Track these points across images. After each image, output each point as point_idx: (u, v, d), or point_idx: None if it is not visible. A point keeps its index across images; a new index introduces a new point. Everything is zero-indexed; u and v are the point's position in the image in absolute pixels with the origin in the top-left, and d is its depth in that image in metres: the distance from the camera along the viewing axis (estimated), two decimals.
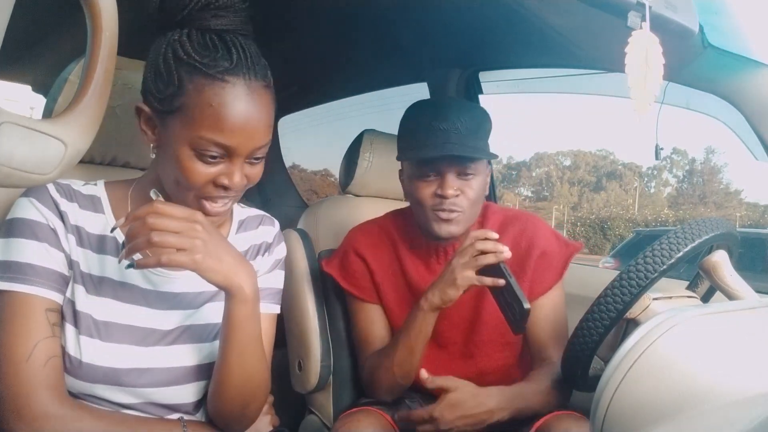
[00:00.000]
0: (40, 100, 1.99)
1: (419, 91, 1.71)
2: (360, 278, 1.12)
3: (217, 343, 0.78)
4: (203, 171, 0.68)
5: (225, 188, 0.70)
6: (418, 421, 0.94)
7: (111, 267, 0.74)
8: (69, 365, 0.70)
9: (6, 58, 1.75)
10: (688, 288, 1.00)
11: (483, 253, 0.92)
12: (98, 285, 0.73)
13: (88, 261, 0.73)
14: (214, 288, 0.80)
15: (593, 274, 1.46)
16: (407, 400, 1.10)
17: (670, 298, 0.89)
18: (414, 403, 1.09)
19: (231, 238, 0.85)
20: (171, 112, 0.68)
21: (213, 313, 0.79)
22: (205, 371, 0.77)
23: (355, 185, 1.40)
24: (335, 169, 1.53)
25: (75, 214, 0.73)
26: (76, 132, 0.49)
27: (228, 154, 0.68)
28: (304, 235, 1.30)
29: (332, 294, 1.27)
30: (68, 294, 0.72)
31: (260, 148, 0.71)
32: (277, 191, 2.32)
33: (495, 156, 1.04)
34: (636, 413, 0.54)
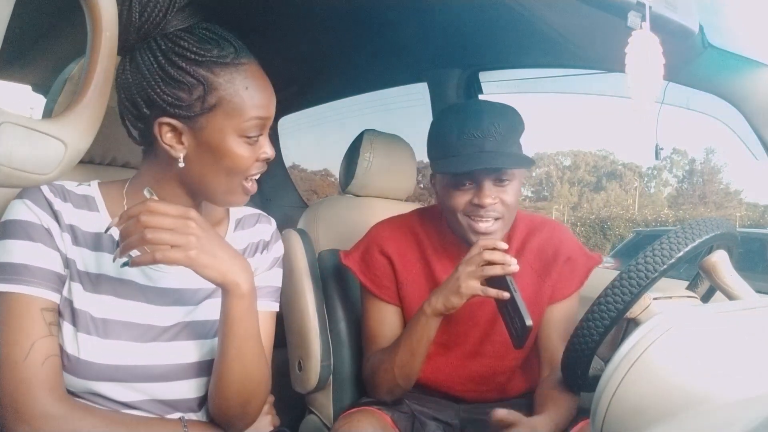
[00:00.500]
0: (40, 100, 1.99)
1: (419, 91, 1.71)
2: (382, 276, 1.10)
3: (216, 340, 0.78)
4: (250, 154, 0.73)
5: (266, 161, 0.76)
6: None
7: (108, 264, 0.74)
8: (67, 363, 0.70)
9: (6, 58, 1.75)
10: (688, 288, 1.00)
11: (490, 263, 0.91)
12: (95, 282, 0.73)
13: (85, 259, 0.73)
14: (211, 284, 0.80)
15: (593, 274, 1.46)
16: (407, 400, 1.10)
17: (670, 298, 0.89)
18: (413, 401, 1.09)
19: (228, 236, 0.85)
20: (208, 110, 0.70)
21: (213, 309, 0.79)
22: (205, 368, 0.77)
23: (355, 185, 1.40)
24: (335, 169, 1.53)
25: (69, 213, 0.74)
26: (76, 132, 0.49)
27: (263, 128, 0.74)
28: (304, 235, 1.30)
29: (332, 294, 1.27)
30: (65, 293, 0.72)
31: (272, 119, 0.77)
32: (277, 191, 2.32)
33: (532, 162, 1.01)
34: (636, 413, 0.54)
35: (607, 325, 0.81)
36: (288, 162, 2.43)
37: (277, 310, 0.87)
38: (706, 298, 0.99)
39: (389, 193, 1.47)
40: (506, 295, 0.89)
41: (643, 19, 0.70)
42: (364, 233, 1.17)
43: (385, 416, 1.03)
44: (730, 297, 0.86)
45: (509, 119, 1.00)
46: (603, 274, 1.32)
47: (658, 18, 0.72)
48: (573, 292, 1.09)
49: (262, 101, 0.72)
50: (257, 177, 0.77)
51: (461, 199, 0.99)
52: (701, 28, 0.80)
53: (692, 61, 0.86)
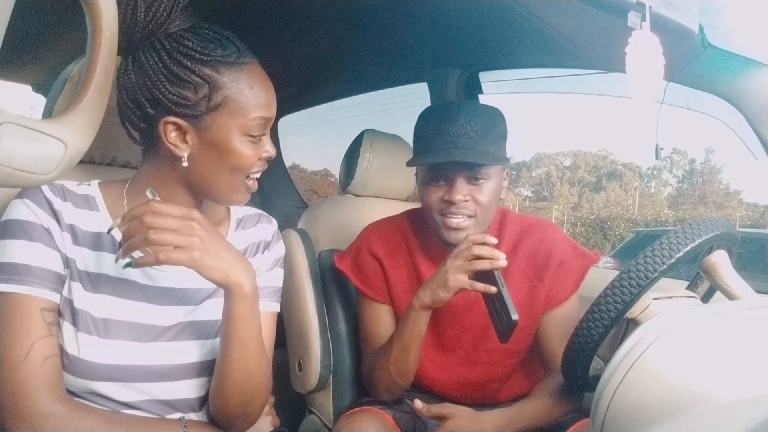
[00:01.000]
0: (40, 100, 1.99)
1: (419, 91, 1.71)
2: (373, 277, 1.11)
3: (218, 339, 0.78)
4: (253, 152, 0.74)
5: (268, 160, 0.77)
6: None
7: (108, 264, 0.74)
8: (68, 363, 0.70)
9: (6, 58, 1.75)
10: (688, 288, 1.00)
11: (479, 258, 0.91)
12: (96, 282, 0.73)
13: (85, 259, 0.73)
14: (213, 284, 0.80)
15: (593, 274, 1.46)
16: (408, 400, 1.10)
17: (670, 298, 0.89)
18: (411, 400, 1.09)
19: (230, 236, 0.85)
20: (213, 109, 0.71)
21: (214, 309, 0.79)
22: (206, 368, 0.77)
23: (355, 185, 1.40)
24: (335, 169, 1.53)
25: (69, 213, 0.74)
26: (76, 132, 0.49)
27: (266, 127, 0.75)
28: (304, 235, 1.30)
29: (332, 294, 1.27)
30: (65, 292, 0.72)
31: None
32: (277, 191, 2.32)
33: (506, 160, 1.02)
34: (636, 413, 0.54)
35: (607, 325, 0.81)
36: (288, 162, 2.43)
37: (278, 310, 0.87)
38: (706, 298, 0.99)
39: (389, 193, 1.47)
40: (493, 289, 0.89)
41: (643, 19, 0.70)
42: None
43: (386, 416, 1.03)
44: (730, 297, 0.86)
45: (487, 119, 0.99)
46: (603, 274, 1.32)
47: (658, 18, 0.72)
48: (569, 296, 1.07)
49: (266, 101, 0.74)
50: (258, 175, 0.78)
51: (435, 195, 1.00)
52: (701, 28, 0.80)
53: (692, 61, 0.86)
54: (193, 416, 0.79)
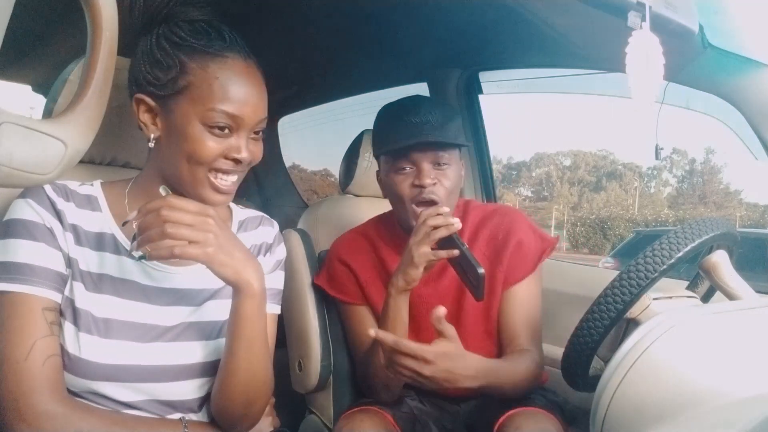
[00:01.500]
0: (40, 100, 1.99)
1: (419, 91, 1.71)
2: (345, 283, 1.16)
3: (219, 340, 0.78)
4: (214, 145, 0.72)
5: (235, 161, 0.74)
6: (406, 352, 0.87)
7: (110, 264, 0.74)
8: (69, 362, 0.70)
9: (6, 58, 1.75)
10: (688, 288, 1.00)
11: (436, 228, 0.95)
12: (97, 282, 0.73)
13: (87, 259, 0.73)
14: (215, 285, 0.80)
15: (593, 274, 1.46)
16: (408, 399, 1.10)
17: (670, 298, 0.89)
18: (414, 401, 1.10)
19: None
20: (176, 93, 0.71)
21: (215, 310, 0.80)
22: (207, 369, 0.77)
23: (355, 185, 1.40)
24: (335, 169, 1.53)
25: (72, 212, 0.74)
26: (76, 132, 0.49)
27: (236, 126, 0.73)
28: (304, 235, 1.30)
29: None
30: (67, 292, 0.72)
31: (262, 121, 0.76)
32: (277, 191, 2.32)
33: (466, 144, 1.09)
34: (636, 413, 0.54)
35: (607, 325, 0.81)
36: (288, 162, 2.43)
37: (279, 312, 0.87)
38: (706, 298, 0.99)
39: None
40: (456, 252, 0.93)
41: (643, 19, 0.70)
42: None
43: (386, 416, 1.03)
44: (730, 297, 0.86)
45: (445, 110, 1.06)
46: (603, 274, 1.32)
47: (658, 18, 0.72)
48: (526, 275, 1.09)
49: (233, 97, 0.71)
50: (229, 176, 0.75)
51: (404, 183, 1.04)
52: (701, 28, 0.80)
53: (692, 61, 0.86)
54: (193, 417, 0.79)
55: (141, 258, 0.65)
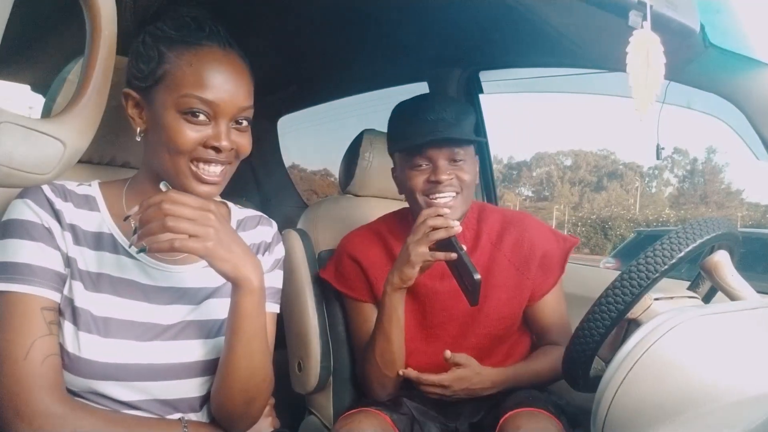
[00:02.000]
0: (39, 100, 1.99)
1: (419, 91, 1.71)
2: (354, 279, 1.16)
3: (219, 339, 0.78)
4: (191, 134, 0.71)
5: (215, 150, 0.72)
6: (428, 383, 1.03)
7: (108, 263, 0.74)
8: (68, 362, 0.70)
9: (5, 58, 1.75)
10: (690, 288, 1.00)
11: (435, 229, 0.95)
12: (96, 281, 0.73)
13: (86, 258, 0.73)
14: (215, 283, 0.80)
15: (594, 274, 1.46)
16: (407, 400, 1.10)
17: (672, 298, 0.89)
18: (414, 403, 1.09)
19: None
20: (155, 83, 0.72)
21: (215, 308, 0.80)
22: (207, 367, 0.77)
23: (355, 185, 1.40)
24: (335, 169, 1.53)
25: (70, 212, 0.74)
26: (75, 131, 0.49)
27: (213, 113, 0.72)
28: (304, 235, 1.30)
29: (332, 294, 1.27)
30: (66, 291, 0.72)
31: (244, 110, 0.74)
32: (277, 191, 2.32)
33: (482, 140, 1.14)
34: (637, 414, 0.54)
35: (608, 325, 0.80)
36: (288, 162, 2.43)
37: (278, 311, 0.87)
38: (707, 298, 0.99)
39: (389, 193, 1.47)
40: (454, 255, 0.93)
41: (644, 18, 0.70)
42: None
43: (385, 417, 1.03)
44: (732, 297, 0.85)
45: (459, 107, 1.08)
46: (604, 275, 1.32)
47: (659, 17, 0.71)
48: (556, 283, 1.15)
49: (207, 82, 0.71)
50: (212, 167, 0.74)
51: (419, 179, 1.05)
52: (702, 27, 0.80)
53: (693, 60, 0.86)
54: (193, 416, 0.79)
55: (141, 251, 0.65)
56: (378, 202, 1.44)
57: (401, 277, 0.99)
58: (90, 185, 0.79)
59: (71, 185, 0.77)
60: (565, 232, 1.24)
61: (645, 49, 0.70)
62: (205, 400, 0.79)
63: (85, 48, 0.50)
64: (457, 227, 0.95)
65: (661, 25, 0.71)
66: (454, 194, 1.04)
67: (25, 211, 0.71)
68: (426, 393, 1.04)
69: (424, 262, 0.96)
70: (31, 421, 0.65)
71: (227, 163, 0.75)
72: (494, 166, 1.83)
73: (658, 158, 0.92)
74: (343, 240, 1.21)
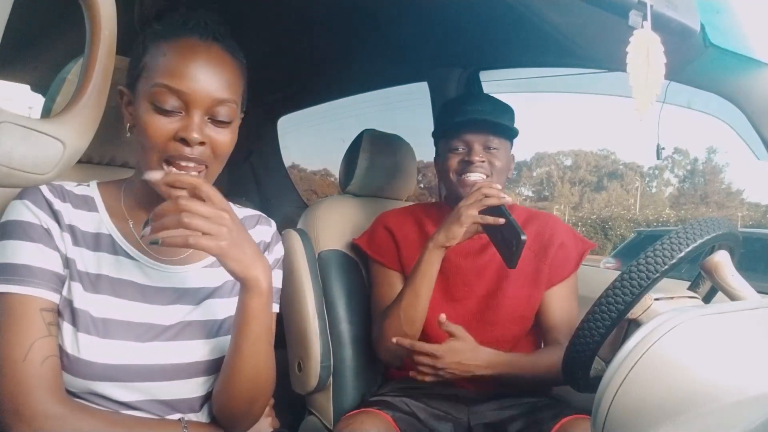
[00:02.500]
0: (39, 100, 1.99)
1: (419, 91, 1.71)
2: (385, 247, 1.23)
3: (219, 339, 0.78)
4: (162, 125, 0.69)
5: (185, 142, 0.70)
6: (421, 352, 1.03)
7: (107, 264, 0.74)
8: (67, 363, 0.70)
9: (5, 58, 1.75)
10: (690, 288, 1.00)
11: (487, 197, 1.04)
12: (95, 282, 0.73)
13: (85, 259, 0.73)
14: (214, 284, 0.80)
15: (594, 274, 1.46)
16: (410, 400, 1.10)
17: (672, 298, 0.89)
18: (412, 401, 1.09)
19: None
20: (137, 77, 0.72)
21: (214, 309, 0.80)
22: (207, 367, 0.77)
23: (355, 185, 1.40)
24: (335, 169, 1.53)
25: (69, 213, 0.74)
26: (75, 131, 0.49)
27: (185, 105, 0.70)
28: (304, 235, 1.30)
29: (332, 294, 1.27)
30: (65, 292, 0.72)
31: (220, 103, 0.72)
32: (277, 191, 2.32)
33: (515, 130, 1.18)
34: (637, 414, 0.54)
35: (608, 325, 0.80)
36: (288, 162, 2.43)
37: (278, 311, 0.87)
38: (707, 298, 0.99)
39: (389, 193, 1.47)
40: (501, 220, 1.01)
41: (645, 18, 0.70)
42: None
43: (386, 417, 1.03)
44: (732, 297, 0.85)
45: (498, 103, 1.20)
46: (604, 275, 1.32)
47: (659, 17, 0.71)
48: (569, 275, 1.19)
49: (178, 72, 0.69)
50: (187, 165, 0.71)
51: (454, 159, 1.15)
52: (702, 27, 0.80)
53: (693, 60, 0.86)
54: (192, 416, 0.79)
55: (153, 243, 0.65)
56: (378, 202, 1.44)
57: (447, 234, 1.05)
58: (88, 185, 0.79)
59: (70, 186, 0.77)
60: (565, 223, 1.26)
61: (645, 49, 0.70)
62: (205, 400, 0.79)
63: (84, 48, 0.49)
64: (509, 198, 1.04)
65: (662, 25, 0.71)
66: (484, 176, 1.12)
67: (24, 212, 0.71)
68: (417, 364, 1.04)
69: (473, 222, 1.03)
70: (30, 422, 0.65)
71: (201, 162, 0.72)
72: None
73: (658, 158, 0.92)
74: (381, 214, 1.29)
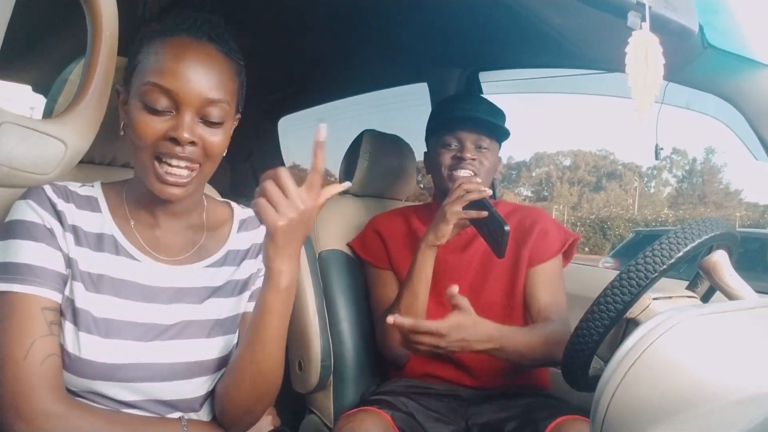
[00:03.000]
0: (40, 100, 1.99)
1: (419, 91, 1.71)
2: (375, 249, 1.27)
3: (219, 338, 0.79)
4: (152, 124, 0.69)
5: (175, 141, 0.69)
6: (424, 330, 0.98)
7: (109, 264, 0.74)
8: (69, 362, 0.70)
9: (6, 58, 1.75)
10: (688, 288, 1.00)
11: (469, 193, 1.07)
12: (97, 282, 0.73)
13: (87, 259, 0.73)
14: (215, 283, 0.81)
15: (593, 274, 1.46)
16: (408, 400, 1.10)
17: (670, 297, 0.89)
18: (410, 401, 1.10)
19: (232, 236, 0.85)
20: (130, 77, 0.73)
21: (216, 308, 0.80)
22: (207, 367, 0.78)
23: (355, 185, 1.40)
24: (335, 169, 1.53)
25: (72, 213, 0.74)
26: (76, 132, 0.49)
27: (175, 104, 0.70)
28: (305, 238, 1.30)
29: (333, 294, 1.27)
30: (67, 292, 0.72)
31: (212, 103, 0.71)
32: None
33: (507, 130, 1.22)
34: (636, 413, 0.54)
35: (606, 325, 0.81)
36: (288, 162, 2.43)
37: None
38: (705, 298, 0.99)
39: (389, 193, 1.47)
40: (484, 213, 1.05)
41: (643, 19, 0.70)
42: None
43: (386, 416, 1.03)
44: (730, 297, 0.86)
45: (491, 106, 1.22)
46: (602, 274, 1.32)
47: (658, 18, 0.72)
48: (551, 257, 1.20)
49: (169, 70, 0.69)
50: (176, 164, 0.71)
51: (446, 155, 1.18)
52: (701, 28, 0.80)
53: (692, 61, 0.86)
54: (192, 416, 0.79)
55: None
56: (378, 202, 1.44)
57: (436, 233, 1.09)
58: (92, 186, 0.79)
59: (73, 186, 0.77)
60: (551, 216, 1.28)
61: (644, 50, 0.70)
62: (205, 399, 0.79)
63: (86, 49, 0.50)
64: (488, 190, 1.08)
65: (660, 25, 0.72)
66: (471, 173, 1.16)
67: (28, 211, 0.71)
68: (417, 345, 0.99)
69: (458, 219, 1.07)
70: (31, 421, 0.65)
71: (193, 161, 0.72)
72: None
73: (656, 158, 0.93)
74: (371, 219, 1.33)
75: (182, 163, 0.71)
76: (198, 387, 0.78)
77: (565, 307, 1.19)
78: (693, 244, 0.80)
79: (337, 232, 1.34)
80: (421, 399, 1.11)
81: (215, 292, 0.81)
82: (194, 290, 0.79)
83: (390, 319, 0.96)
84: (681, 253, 0.79)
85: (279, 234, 0.67)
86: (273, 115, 2.29)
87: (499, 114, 1.22)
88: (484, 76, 1.65)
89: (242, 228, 0.87)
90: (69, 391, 0.71)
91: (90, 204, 0.77)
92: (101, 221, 0.76)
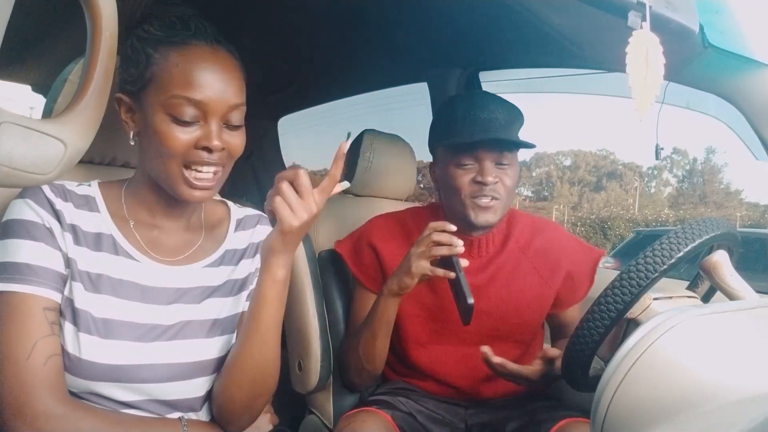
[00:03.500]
0: (40, 100, 1.99)
1: (419, 91, 1.71)
2: (369, 267, 1.15)
3: (219, 338, 0.79)
4: (181, 136, 0.71)
5: (207, 150, 0.72)
6: (513, 372, 0.99)
7: (108, 264, 0.74)
8: (68, 363, 0.70)
9: (6, 58, 1.75)
10: (689, 288, 1.00)
11: (439, 244, 0.95)
12: (96, 282, 0.73)
13: (86, 259, 0.73)
14: (214, 283, 0.81)
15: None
16: (407, 400, 1.10)
17: (671, 298, 0.89)
18: (410, 402, 1.10)
19: (230, 236, 0.85)
20: (144, 86, 0.72)
21: (215, 308, 0.80)
22: (207, 367, 0.78)
23: (355, 185, 1.40)
24: None
25: (70, 213, 0.74)
26: (76, 132, 0.49)
27: (203, 114, 0.71)
28: (304, 235, 1.30)
29: (333, 294, 1.27)
30: (66, 292, 0.72)
31: (234, 108, 0.73)
32: None
33: (533, 145, 1.07)
34: (636, 413, 0.54)
35: (607, 325, 0.81)
36: (288, 162, 2.43)
37: None
38: (706, 298, 0.99)
39: (389, 193, 1.47)
40: (452, 274, 0.93)
41: (644, 18, 0.70)
42: None
43: (386, 416, 1.03)
44: (731, 297, 0.86)
45: (512, 109, 1.07)
46: (603, 274, 1.32)
47: (658, 18, 0.72)
48: (585, 295, 1.15)
49: (195, 82, 0.70)
50: (206, 169, 0.73)
51: (464, 178, 1.03)
52: (701, 27, 0.80)
53: (692, 60, 0.86)
54: (192, 416, 0.79)
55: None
56: (378, 202, 1.44)
57: (400, 285, 0.99)
58: (90, 185, 0.79)
59: (71, 185, 0.77)
60: (568, 232, 1.23)
61: (644, 50, 0.70)
62: (205, 399, 0.80)
63: (85, 48, 0.50)
64: (460, 247, 0.93)
65: (661, 25, 0.72)
66: (495, 200, 1.03)
67: (26, 210, 0.71)
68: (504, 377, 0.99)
69: (422, 275, 0.96)
70: (32, 422, 0.65)
71: (219, 164, 0.74)
72: None
73: (657, 158, 0.92)
74: (368, 222, 1.20)
75: (211, 169, 0.73)
76: (198, 387, 0.78)
77: None
78: (693, 244, 0.80)
79: (337, 232, 1.34)
80: (421, 400, 1.11)
81: (214, 291, 0.81)
82: (193, 290, 0.79)
83: (483, 348, 0.99)
84: (681, 254, 0.79)
85: (291, 233, 0.70)
86: (273, 115, 2.29)
87: (519, 118, 1.08)
88: (484, 76, 1.65)
89: (239, 227, 0.87)
90: (69, 392, 0.70)
91: (88, 203, 0.77)
92: (99, 221, 0.76)
